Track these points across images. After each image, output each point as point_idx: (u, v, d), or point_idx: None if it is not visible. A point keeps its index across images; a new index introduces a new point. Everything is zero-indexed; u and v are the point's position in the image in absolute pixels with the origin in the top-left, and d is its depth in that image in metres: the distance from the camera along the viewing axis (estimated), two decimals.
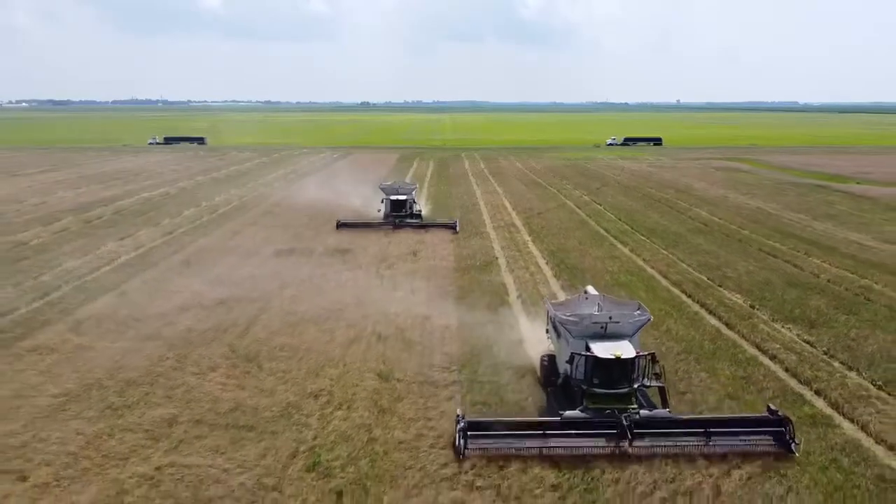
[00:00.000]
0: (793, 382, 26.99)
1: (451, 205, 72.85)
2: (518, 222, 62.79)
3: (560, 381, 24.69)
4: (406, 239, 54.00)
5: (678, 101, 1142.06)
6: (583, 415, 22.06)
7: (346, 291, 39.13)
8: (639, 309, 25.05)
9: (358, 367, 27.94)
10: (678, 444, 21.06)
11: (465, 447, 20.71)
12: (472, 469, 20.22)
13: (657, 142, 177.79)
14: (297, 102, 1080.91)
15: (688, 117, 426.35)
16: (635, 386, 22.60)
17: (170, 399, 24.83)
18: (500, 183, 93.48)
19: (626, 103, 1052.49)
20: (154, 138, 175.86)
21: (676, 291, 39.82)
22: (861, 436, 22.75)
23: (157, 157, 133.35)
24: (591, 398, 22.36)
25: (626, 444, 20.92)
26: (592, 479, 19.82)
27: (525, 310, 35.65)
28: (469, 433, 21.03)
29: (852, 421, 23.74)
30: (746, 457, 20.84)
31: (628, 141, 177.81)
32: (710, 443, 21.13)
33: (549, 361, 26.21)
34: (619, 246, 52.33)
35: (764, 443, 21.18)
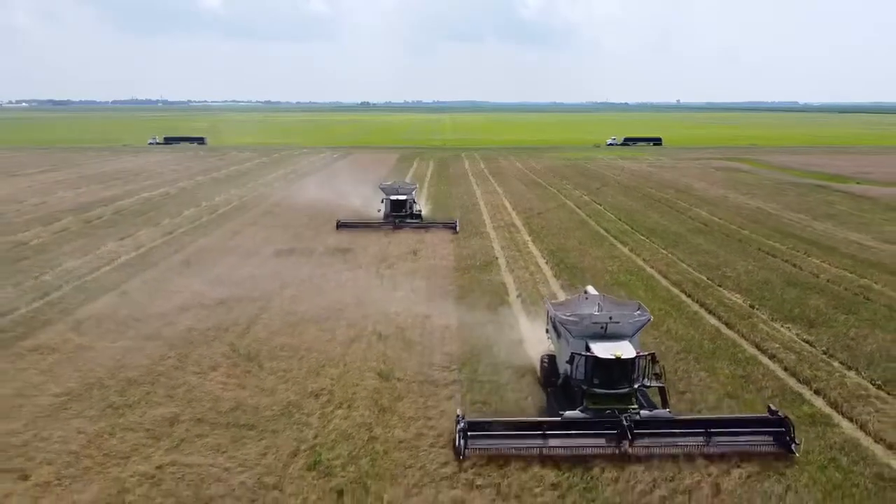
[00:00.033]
0: (792, 382, 27.06)
1: (451, 205, 72.91)
2: (518, 222, 62.86)
3: (560, 381, 24.68)
4: (406, 239, 54.07)
5: (678, 101, 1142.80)
6: (583, 415, 22.06)
7: (346, 291, 39.19)
8: (639, 309, 25.05)
9: (358, 366, 28.01)
10: (678, 444, 21.07)
11: (465, 447, 20.74)
12: (471, 468, 20.28)
13: (657, 142, 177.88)
14: (297, 102, 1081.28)
15: (688, 117, 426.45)
16: (635, 386, 22.59)
17: (171, 398, 24.90)
18: (500, 183, 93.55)
19: (626, 103, 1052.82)
20: (154, 138, 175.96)
21: (676, 291, 39.89)
22: (860, 435, 22.82)
23: (157, 157, 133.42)
24: (591, 398, 22.36)
25: (626, 444, 20.93)
26: (592, 477, 19.89)
27: (525, 309, 35.71)
28: (469, 433, 21.05)
29: (851, 420, 23.80)
30: (746, 456, 20.90)
31: (628, 141, 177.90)
32: (711, 443, 21.15)
33: (549, 361, 26.19)
34: (619, 246, 52.40)
35: (764, 443, 21.19)
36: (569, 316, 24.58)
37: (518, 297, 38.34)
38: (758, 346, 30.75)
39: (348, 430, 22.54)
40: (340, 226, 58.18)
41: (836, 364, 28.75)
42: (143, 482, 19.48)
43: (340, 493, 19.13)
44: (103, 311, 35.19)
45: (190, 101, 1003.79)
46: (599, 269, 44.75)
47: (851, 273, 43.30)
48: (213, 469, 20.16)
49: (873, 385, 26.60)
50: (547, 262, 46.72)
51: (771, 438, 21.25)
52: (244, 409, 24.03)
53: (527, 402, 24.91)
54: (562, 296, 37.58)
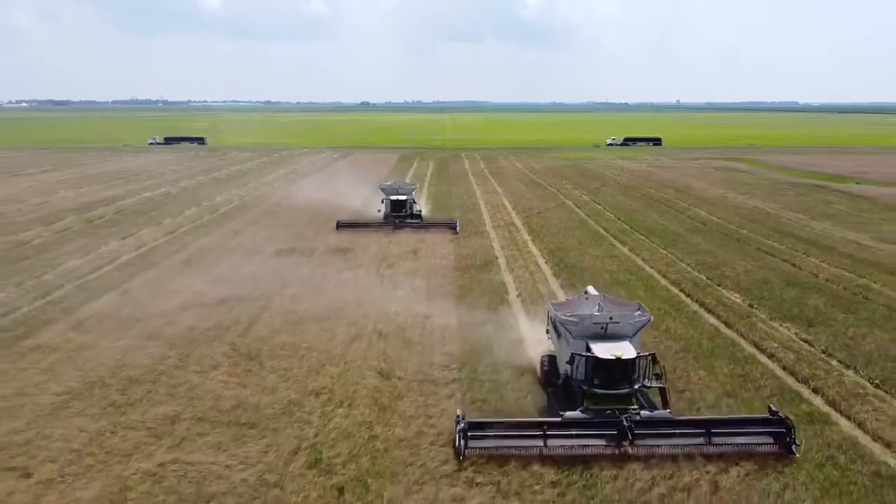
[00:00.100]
0: (790, 380, 27.18)
1: (451, 204, 73.05)
2: (518, 222, 62.99)
3: (560, 381, 24.70)
4: (406, 238, 54.20)
5: (678, 101, 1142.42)
6: (583, 415, 22.09)
7: (346, 290, 39.33)
8: (639, 309, 25.07)
9: (359, 365, 28.13)
10: (679, 444, 21.11)
11: (465, 448, 20.78)
12: (471, 466, 20.39)
13: (657, 142, 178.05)
14: (297, 102, 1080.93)
15: (687, 117, 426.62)
16: (636, 387, 22.61)
17: (172, 397, 25.03)
18: (500, 183, 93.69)
19: (626, 103, 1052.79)
20: (154, 138, 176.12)
21: (675, 290, 40.02)
22: (858, 433, 22.94)
23: (158, 157, 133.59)
24: (591, 399, 22.37)
25: (627, 444, 20.96)
26: (591, 475, 19.99)
27: (525, 309, 35.84)
28: (469, 434, 21.08)
29: (849, 418, 23.92)
30: (745, 455, 20.98)
31: (628, 141, 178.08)
32: (711, 443, 21.17)
33: (550, 362, 26.20)
34: (619, 245, 52.53)
35: (765, 443, 21.22)
36: (569, 316, 24.58)
37: (518, 296, 38.46)
38: (756, 346, 30.87)
39: (349, 429, 22.66)
40: (340, 226, 58.26)
41: (834, 363, 28.88)
42: (145, 480, 19.60)
43: (341, 490, 19.25)
44: (105, 310, 35.33)
45: (190, 101, 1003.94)
46: (599, 268, 44.88)
47: (850, 272, 43.42)
48: (214, 467, 20.28)
49: (871, 384, 26.72)
50: (546, 262, 46.85)
51: (771, 439, 21.27)
52: (245, 408, 24.15)
53: (526, 402, 25.02)
54: (561, 295, 37.74)
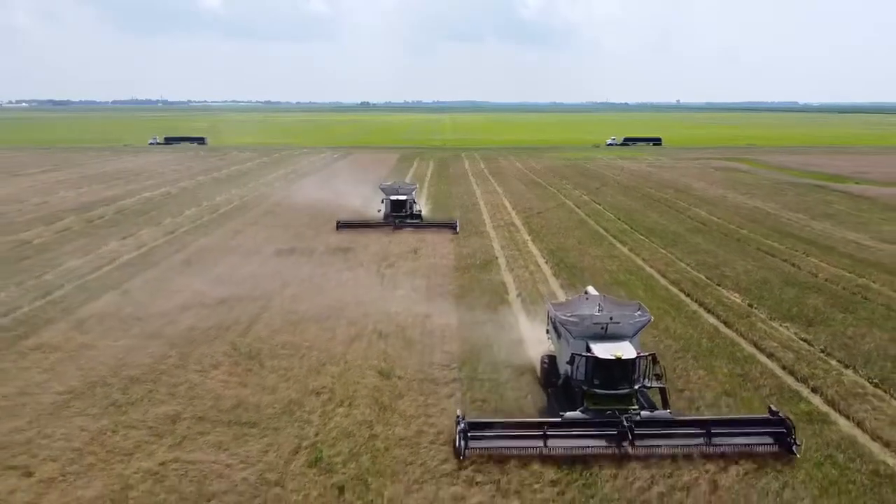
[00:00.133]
0: (790, 380, 27.24)
1: (451, 204, 73.11)
2: (518, 222, 63.06)
3: (560, 381, 24.71)
4: (406, 238, 54.26)
5: (678, 101, 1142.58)
6: (583, 416, 22.10)
7: (346, 290, 39.39)
8: (639, 310, 25.05)
9: (359, 364, 28.19)
10: (679, 445, 21.11)
11: (465, 448, 20.80)
12: (471, 465, 20.45)
13: (657, 142, 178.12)
14: (297, 102, 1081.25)
15: (687, 117, 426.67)
16: (636, 387, 22.61)
17: (173, 396, 25.10)
18: (500, 183, 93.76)
19: (626, 103, 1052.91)
20: (154, 138, 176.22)
21: (675, 290, 40.08)
22: (857, 432, 23.00)
23: (158, 157, 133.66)
24: (591, 399, 22.38)
25: (627, 445, 20.97)
26: (591, 474, 20.06)
27: (524, 308, 35.91)
28: (469, 434, 21.09)
29: (848, 418, 23.99)
30: (744, 454, 21.01)
31: (628, 141, 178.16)
32: (712, 444, 21.17)
33: (550, 362, 26.20)
34: (618, 245, 52.59)
35: (765, 444, 21.22)
36: (569, 316, 24.55)
37: (518, 296, 38.53)
38: (756, 345, 30.94)
39: (349, 428, 22.73)
40: (341, 226, 58.29)
41: (833, 362, 28.94)
42: (146, 478, 19.67)
43: (342, 489, 19.32)
44: (105, 309, 35.40)
45: (190, 101, 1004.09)
46: (599, 268, 44.94)
47: (849, 272, 43.49)
48: (215, 466, 20.35)
49: (870, 383, 26.79)
50: (546, 262, 46.92)
51: (772, 439, 21.28)
52: (246, 407, 24.22)
53: (526, 401, 25.09)
54: (561, 295, 37.82)
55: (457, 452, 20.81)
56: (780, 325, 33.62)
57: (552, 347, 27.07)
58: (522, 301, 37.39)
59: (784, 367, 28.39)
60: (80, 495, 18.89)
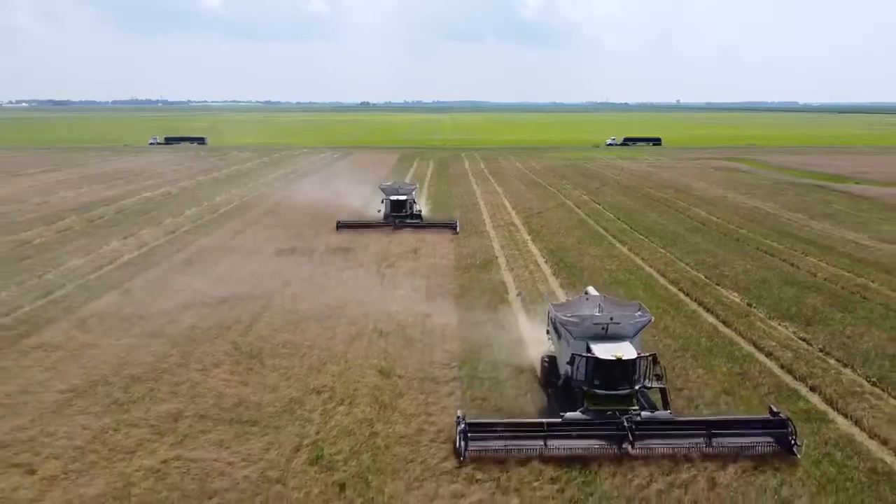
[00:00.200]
0: (788, 379, 27.36)
1: (451, 204, 73.22)
2: (518, 221, 63.18)
3: (561, 382, 24.75)
4: (406, 238, 54.37)
5: (678, 101, 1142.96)
6: (584, 416, 22.14)
7: (347, 290, 39.50)
8: (640, 310, 25.05)
9: (359, 363, 28.31)
10: (680, 445, 21.14)
11: (466, 449, 20.84)
12: (471, 462, 20.55)
13: (656, 142, 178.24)
14: (297, 102, 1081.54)
15: (687, 117, 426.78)
16: (636, 387, 22.65)
17: (174, 395, 25.21)
18: (500, 183, 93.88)
19: (626, 103, 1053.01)
20: (155, 138, 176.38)
21: (674, 290, 40.20)
22: (855, 431, 23.12)
23: (158, 157, 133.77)
24: (592, 399, 22.42)
25: (627, 445, 21.01)
26: (590, 472, 20.16)
27: (524, 308, 36.02)
28: (469, 434, 21.12)
29: (846, 416, 24.11)
30: (743, 453, 21.12)
31: (628, 141, 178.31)
32: (712, 444, 21.22)
33: (550, 362, 26.22)
34: (618, 245, 52.71)
35: (766, 444, 21.24)
36: (569, 317, 24.55)
37: (518, 295, 38.65)
38: (755, 344, 31.06)
39: (350, 426, 22.84)
40: (341, 226, 58.38)
41: (832, 361, 29.07)
42: (148, 476, 19.79)
43: (342, 486, 19.43)
44: (107, 309, 35.51)
45: (190, 102, 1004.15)
46: (598, 267, 45.06)
47: (848, 272, 43.61)
48: (217, 464, 20.47)
49: (868, 382, 26.91)
50: (546, 262, 47.03)
51: (772, 440, 21.31)
52: (247, 406, 24.34)
53: (525, 399, 25.20)
54: (561, 294, 37.95)
55: (457, 453, 20.84)
56: (779, 325, 33.74)
57: (552, 348, 27.07)
58: (522, 300, 37.51)
59: (783, 366, 28.52)
60: (83, 493, 19.01)
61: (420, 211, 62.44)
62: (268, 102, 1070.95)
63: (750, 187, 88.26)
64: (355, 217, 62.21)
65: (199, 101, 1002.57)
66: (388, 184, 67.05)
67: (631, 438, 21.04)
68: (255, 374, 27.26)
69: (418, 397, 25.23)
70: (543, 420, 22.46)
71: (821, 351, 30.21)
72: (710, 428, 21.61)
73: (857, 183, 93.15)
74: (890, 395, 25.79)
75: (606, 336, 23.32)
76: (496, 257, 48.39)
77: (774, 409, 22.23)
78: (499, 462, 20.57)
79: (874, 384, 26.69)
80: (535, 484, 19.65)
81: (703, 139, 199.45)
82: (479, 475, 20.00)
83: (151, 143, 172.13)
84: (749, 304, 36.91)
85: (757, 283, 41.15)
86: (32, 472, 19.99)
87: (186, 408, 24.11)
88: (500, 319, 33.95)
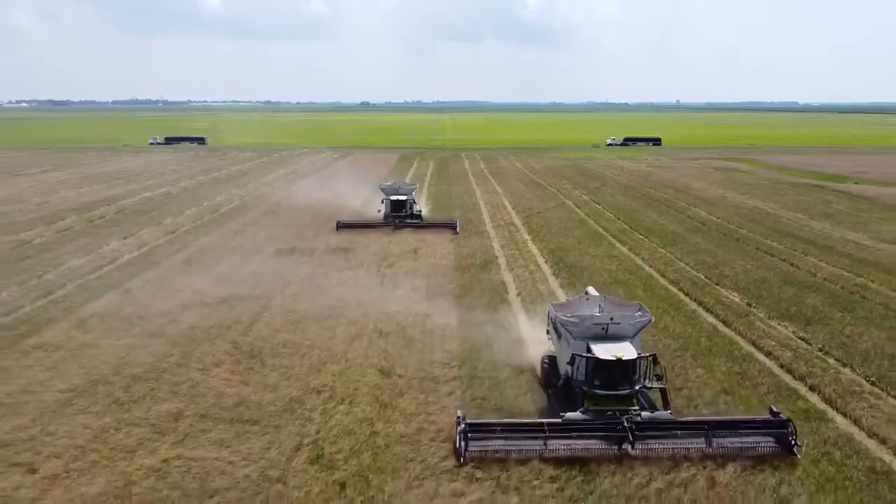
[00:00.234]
0: (787, 378, 27.41)
1: (451, 204, 73.27)
2: (517, 221, 63.23)
3: (561, 382, 24.77)
4: (406, 238, 54.41)
5: (678, 101, 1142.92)
6: (584, 416, 22.16)
7: (347, 290, 39.55)
8: (640, 310, 25.05)
9: (360, 363, 28.36)
10: (680, 445, 21.15)
11: (466, 449, 20.84)
12: (471, 461, 20.59)
13: (656, 142, 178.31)
14: (297, 102, 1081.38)
15: (687, 117, 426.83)
16: (637, 387, 22.66)
17: (175, 394, 25.26)
18: (500, 183, 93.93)
19: (626, 103, 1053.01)
20: (155, 138, 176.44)
21: (674, 290, 40.25)
22: (854, 430, 23.18)
23: (158, 157, 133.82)
24: (592, 400, 22.43)
25: (628, 446, 21.02)
26: (590, 470, 20.22)
27: (524, 308, 36.07)
28: (469, 435, 21.13)
29: (845, 415, 24.16)
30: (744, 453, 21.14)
31: (628, 141, 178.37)
32: (712, 445, 21.22)
33: (550, 362, 26.22)
34: (618, 245, 52.76)
35: (766, 444, 21.26)
36: (569, 317, 24.54)
37: (518, 295, 38.70)
38: (754, 344, 31.11)
39: (350, 426, 22.90)
40: (341, 226, 58.42)
41: (831, 361, 29.12)
42: (149, 475, 19.84)
43: (343, 485, 19.48)
44: (107, 309, 35.56)
45: (190, 102, 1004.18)
46: (598, 267, 45.10)
47: (848, 272, 43.66)
48: (217, 463, 20.52)
49: (867, 381, 26.96)
50: (546, 261, 47.09)
51: (773, 440, 21.32)
52: (247, 405, 24.39)
53: (525, 399, 25.24)
54: (561, 294, 38.00)
55: (457, 453, 20.85)
56: (779, 324, 33.79)
57: (552, 348, 27.08)
58: (522, 300, 37.56)
59: (782, 366, 28.57)
60: (84, 492, 19.06)
61: (420, 211, 62.48)
62: (268, 102, 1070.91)
63: (750, 187, 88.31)
64: (355, 217, 62.26)
65: (199, 101, 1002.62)
66: (388, 184, 67.10)
67: (631, 439, 21.06)
68: (255, 373, 27.31)
69: (418, 397, 25.28)
70: (543, 420, 22.47)
71: (820, 350, 30.27)
72: (711, 428, 21.61)
73: (856, 183, 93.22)
74: (889, 394, 25.85)
75: (606, 336, 23.31)
76: (496, 257, 48.44)
77: (775, 410, 22.26)
78: (499, 459, 20.60)
79: (873, 383, 26.74)
80: (535, 482, 19.70)
81: (702, 139, 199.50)
82: (479, 474, 20.05)
83: (151, 143, 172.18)
84: (749, 304, 36.96)
85: (757, 282, 41.20)
86: (34, 471, 20.04)
87: (187, 407, 24.17)
88: (499, 319, 34.00)
